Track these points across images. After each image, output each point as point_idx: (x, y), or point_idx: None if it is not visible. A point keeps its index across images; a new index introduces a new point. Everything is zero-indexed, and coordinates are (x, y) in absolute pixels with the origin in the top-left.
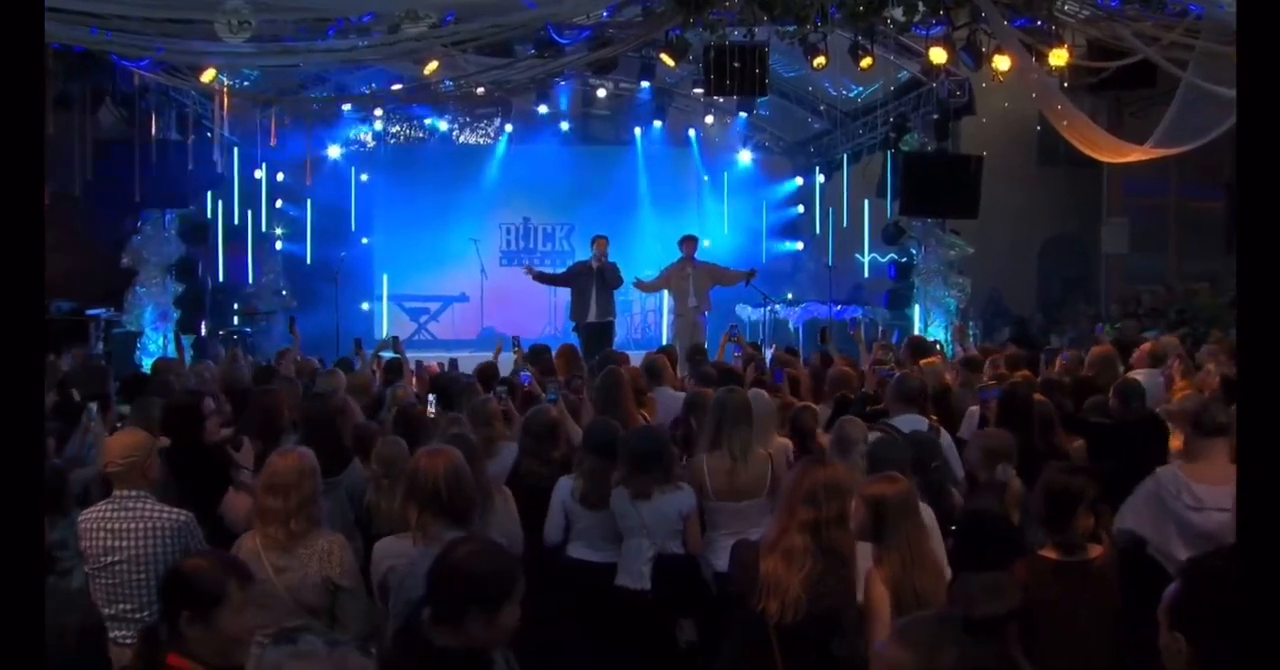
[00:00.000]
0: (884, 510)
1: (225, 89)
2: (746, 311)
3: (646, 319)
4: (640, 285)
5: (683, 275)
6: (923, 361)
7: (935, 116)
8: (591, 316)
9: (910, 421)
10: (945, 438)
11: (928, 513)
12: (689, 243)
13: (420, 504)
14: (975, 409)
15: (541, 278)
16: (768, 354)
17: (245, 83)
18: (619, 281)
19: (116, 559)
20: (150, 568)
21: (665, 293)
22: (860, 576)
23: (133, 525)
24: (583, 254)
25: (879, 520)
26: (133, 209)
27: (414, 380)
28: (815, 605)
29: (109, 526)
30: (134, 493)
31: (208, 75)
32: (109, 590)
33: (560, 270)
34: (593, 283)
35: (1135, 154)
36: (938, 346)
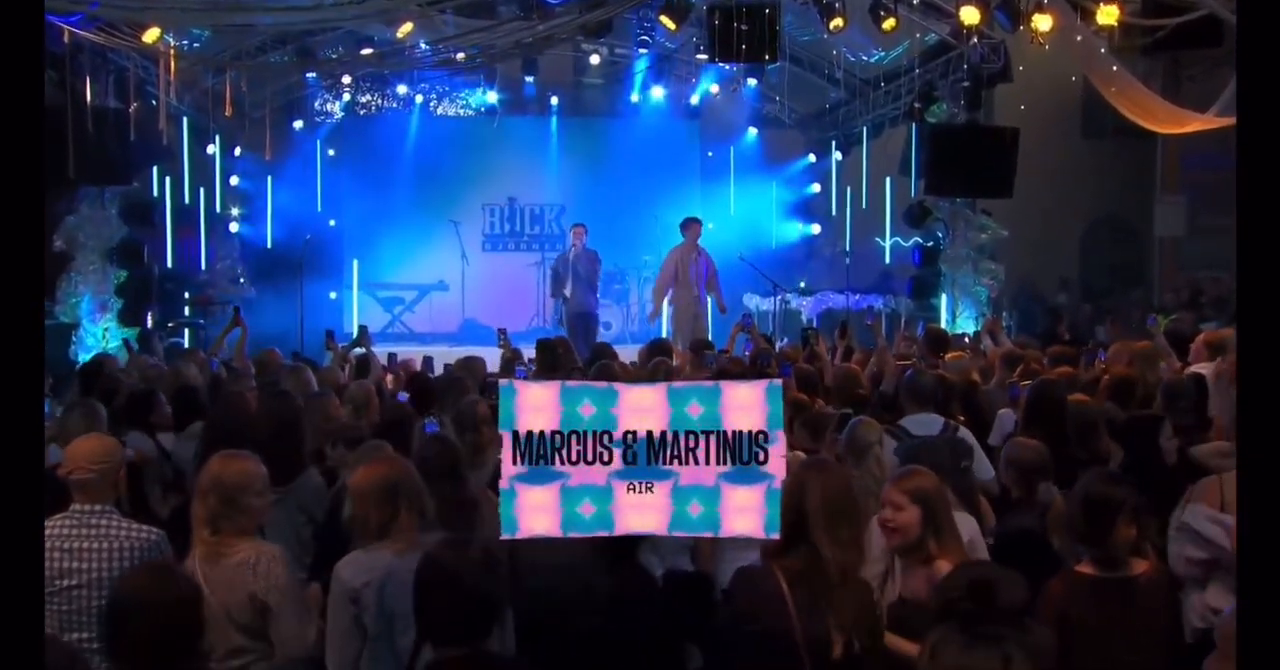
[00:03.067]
0: (933, 503)
1: (172, 51)
2: (755, 301)
3: (645, 310)
4: (655, 299)
5: (687, 261)
6: (948, 355)
7: (966, 84)
8: (572, 308)
9: (924, 422)
10: (969, 438)
11: (970, 522)
12: (692, 226)
13: (407, 511)
14: (1005, 412)
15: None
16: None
17: (195, 44)
18: (595, 273)
19: (74, 583)
20: None
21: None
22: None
23: (96, 544)
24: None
25: (931, 514)
26: (66, 186)
27: (390, 377)
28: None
29: (66, 545)
30: (98, 507)
31: (151, 35)
32: (63, 618)
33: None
34: (569, 274)
35: (1195, 124)
36: (968, 339)
